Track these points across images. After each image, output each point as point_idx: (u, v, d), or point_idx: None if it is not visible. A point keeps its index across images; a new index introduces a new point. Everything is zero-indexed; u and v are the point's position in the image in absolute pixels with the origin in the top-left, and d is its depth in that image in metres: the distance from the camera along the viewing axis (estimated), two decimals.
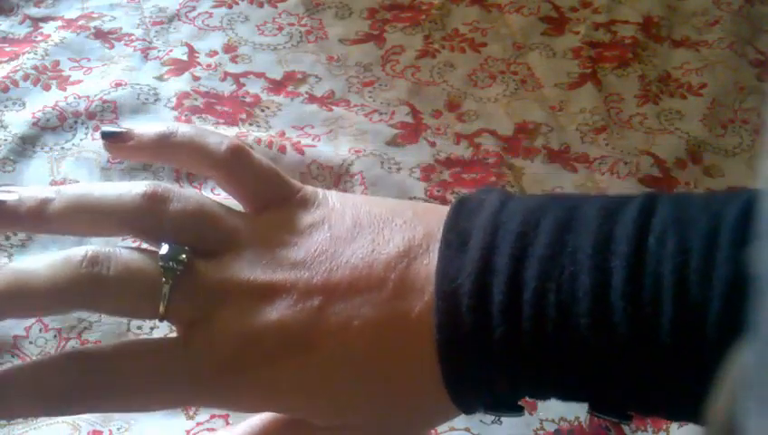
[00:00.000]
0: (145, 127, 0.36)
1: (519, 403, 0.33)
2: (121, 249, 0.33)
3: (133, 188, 0.34)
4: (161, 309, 0.32)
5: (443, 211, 0.34)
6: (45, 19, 0.73)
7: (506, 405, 0.33)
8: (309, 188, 0.36)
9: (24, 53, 0.68)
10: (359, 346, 0.32)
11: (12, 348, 0.49)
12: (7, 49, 0.69)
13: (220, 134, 0.36)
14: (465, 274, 0.30)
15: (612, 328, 0.28)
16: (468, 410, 0.33)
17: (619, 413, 0.32)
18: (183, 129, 0.35)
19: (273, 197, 0.35)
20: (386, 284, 0.32)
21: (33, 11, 0.74)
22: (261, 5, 0.76)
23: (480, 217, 0.32)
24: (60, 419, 0.46)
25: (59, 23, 0.72)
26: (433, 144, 0.64)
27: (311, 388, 0.32)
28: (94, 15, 0.74)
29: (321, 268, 0.33)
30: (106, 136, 0.36)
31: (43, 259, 0.32)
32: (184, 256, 0.33)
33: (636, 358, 0.29)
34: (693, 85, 0.70)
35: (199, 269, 0.33)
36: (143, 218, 0.33)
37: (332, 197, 0.36)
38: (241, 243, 0.33)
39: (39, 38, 0.71)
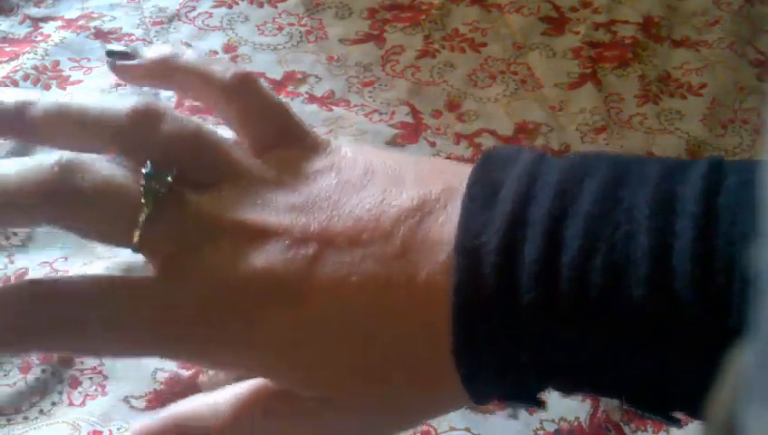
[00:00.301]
0: (151, 48, 0.33)
1: (539, 397, 0.29)
2: (102, 160, 0.29)
3: (125, 101, 0.30)
4: (135, 236, 0.28)
5: (467, 168, 0.30)
6: (45, 19, 0.73)
7: (526, 394, 0.28)
8: (320, 136, 0.33)
9: (24, 53, 0.68)
10: (355, 305, 0.28)
11: None
12: (7, 49, 0.69)
13: (227, 62, 0.33)
14: (493, 229, 0.26)
15: (675, 297, 0.24)
16: (479, 395, 0.28)
17: (664, 410, 0.27)
18: (189, 52, 0.33)
19: (281, 136, 0.32)
20: (392, 238, 0.28)
21: (33, 11, 0.74)
22: (261, 5, 0.76)
23: (514, 168, 0.28)
24: (60, 419, 0.46)
25: (59, 23, 0.72)
26: (433, 144, 0.64)
27: (295, 346, 0.28)
28: (94, 15, 0.74)
29: (320, 215, 0.29)
30: (112, 54, 0.33)
31: (15, 162, 0.29)
32: (169, 178, 0.29)
33: (702, 336, 0.24)
34: (693, 85, 0.70)
35: (187, 197, 0.29)
36: (130, 134, 0.29)
37: (345, 146, 0.32)
38: (238, 178, 0.30)
39: (39, 38, 0.71)
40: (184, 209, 0.29)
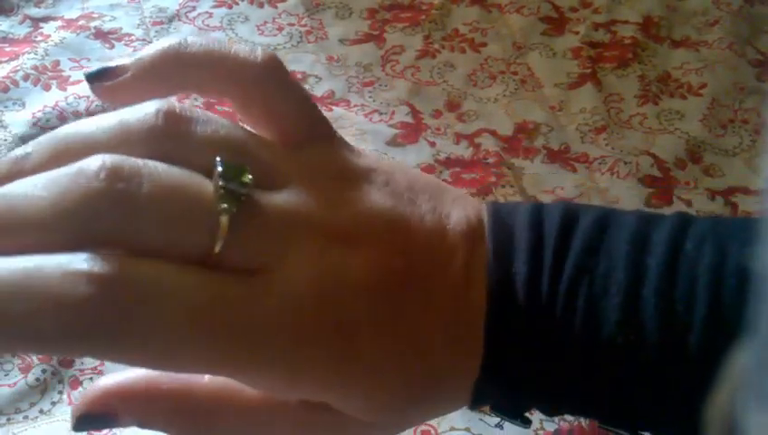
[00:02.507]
0: (143, 50, 0.28)
1: (527, 415, 0.31)
2: (155, 162, 0.23)
3: (142, 109, 0.25)
4: (217, 247, 0.23)
5: (472, 199, 0.31)
6: (45, 19, 0.73)
7: (515, 412, 0.30)
8: (342, 137, 0.29)
9: (24, 53, 0.68)
10: (434, 326, 0.27)
11: None
12: (7, 49, 0.69)
13: (244, 46, 0.27)
14: (519, 262, 0.28)
15: (642, 326, 0.27)
16: (478, 406, 0.30)
17: (632, 428, 0.29)
18: (195, 39, 0.27)
19: (311, 131, 0.28)
20: (457, 258, 0.28)
21: (33, 11, 0.74)
22: (261, 5, 0.76)
23: (520, 214, 0.30)
24: (60, 417, 0.46)
25: (59, 23, 0.73)
26: (433, 144, 0.64)
27: (389, 368, 0.26)
28: (94, 15, 0.74)
29: (399, 224, 0.27)
30: (92, 78, 0.27)
31: (42, 177, 0.23)
32: (249, 176, 0.24)
33: (664, 360, 0.27)
34: (693, 85, 0.70)
35: (263, 198, 0.24)
36: (162, 141, 0.24)
37: (365, 150, 0.30)
38: (285, 178, 0.26)
39: (39, 38, 0.71)
40: (264, 213, 0.24)
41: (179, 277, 0.23)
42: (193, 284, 0.23)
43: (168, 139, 0.24)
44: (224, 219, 0.23)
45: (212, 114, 0.26)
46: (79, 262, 0.21)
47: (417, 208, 0.28)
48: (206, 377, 0.27)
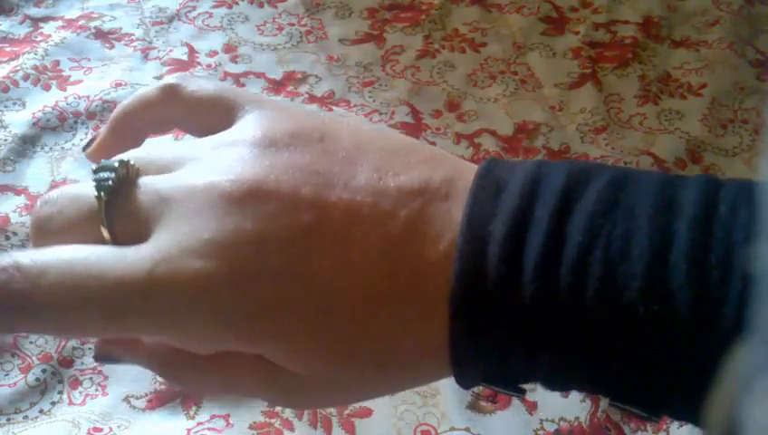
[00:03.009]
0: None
1: (521, 386, 0.29)
2: (68, 201, 0.29)
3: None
4: (105, 232, 0.27)
5: (465, 163, 0.29)
6: (45, 19, 0.73)
7: (511, 381, 0.28)
8: (283, 103, 0.31)
9: (23, 53, 0.68)
10: (355, 280, 0.26)
11: (12, 348, 0.49)
12: (7, 49, 0.69)
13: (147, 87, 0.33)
14: (500, 220, 0.26)
15: (670, 295, 0.24)
16: (464, 378, 0.28)
17: (650, 406, 0.26)
18: (122, 105, 0.33)
19: (228, 118, 0.30)
20: (394, 218, 0.27)
21: (33, 11, 0.74)
22: (261, 5, 0.76)
23: (518, 170, 0.28)
24: (60, 417, 0.46)
25: (59, 23, 0.73)
26: (433, 144, 0.64)
27: (290, 316, 0.27)
28: (94, 15, 0.74)
29: (311, 179, 0.27)
30: (85, 148, 0.34)
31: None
32: (116, 163, 0.28)
33: (696, 334, 0.24)
34: (693, 85, 0.70)
35: (145, 180, 0.28)
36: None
37: (320, 112, 0.30)
38: (203, 154, 0.28)
39: (39, 38, 0.71)
40: (145, 187, 0.28)
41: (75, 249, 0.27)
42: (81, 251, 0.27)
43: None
44: (99, 204, 0.27)
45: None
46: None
47: (351, 167, 0.28)
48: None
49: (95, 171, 0.28)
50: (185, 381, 0.30)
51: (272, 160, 0.28)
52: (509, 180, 0.27)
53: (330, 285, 0.26)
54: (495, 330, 0.26)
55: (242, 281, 0.26)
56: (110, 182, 0.28)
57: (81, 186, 0.29)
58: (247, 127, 0.29)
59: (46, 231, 0.28)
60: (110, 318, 0.26)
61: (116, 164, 0.28)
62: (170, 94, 0.32)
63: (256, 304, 0.26)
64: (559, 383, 0.28)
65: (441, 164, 0.29)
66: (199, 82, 0.32)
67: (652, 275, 0.25)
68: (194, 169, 0.28)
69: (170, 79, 0.32)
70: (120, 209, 0.27)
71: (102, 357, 0.30)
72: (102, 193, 0.27)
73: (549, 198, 0.26)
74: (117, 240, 0.27)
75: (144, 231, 0.27)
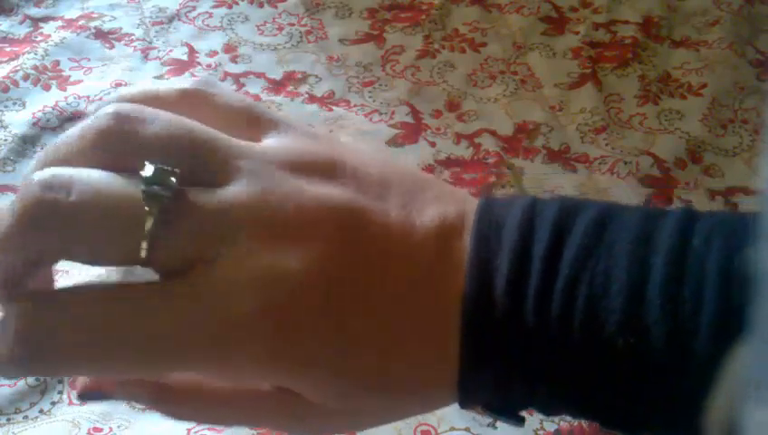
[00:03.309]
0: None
1: (521, 414, 0.30)
2: (91, 171, 0.25)
3: (99, 113, 0.26)
4: (143, 251, 0.24)
5: (465, 194, 0.30)
6: (45, 19, 0.73)
7: (510, 410, 0.30)
8: (305, 125, 0.30)
9: (24, 53, 0.68)
10: (383, 322, 0.27)
11: None
12: (7, 49, 0.69)
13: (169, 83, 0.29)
14: (503, 257, 0.27)
15: (646, 329, 0.26)
16: (467, 404, 0.29)
17: (634, 431, 0.28)
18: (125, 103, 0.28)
19: (256, 132, 0.29)
20: (420, 259, 0.27)
21: (33, 11, 0.74)
22: (261, 5, 0.76)
23: (514, 207, 0.29)
24: (60, 417, 0.46)
25: (59, 23, 0.73)
26: (433, 144, 0.64)
27: (334, 359, 0.26)
28: (94, 15, 0.74)
29: (355, 220, 0.27)
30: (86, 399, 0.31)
31: None
32: (174, 179, 0.25)
33: (670, 365, 0.26)
34: (693, 85, 0.70)
35: (195, 199, 0.25)
36: (117, 138, 0.25)
37: (339, 138, 0.30)
38: (245, 170, 0.26)
39: (39, 38, 0.71)
40: (195, 213, 0.25)
41: (94, 291, 0.25)
42: (111, 295, 0.25)
43: (116, 140, 0.26)
44: (147, 223, 0.24)
45: (163, 113, 0.26)
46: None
47: (383, 203, 0.28)
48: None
49: (148, 180, 0.24)
50: (202, 416, 0.30)
51: (318, 193, 0.27)
52: (507, 216, 0.29)
53: (359, 325, 0.27)
54: (501, 360, 0.27)
55: (291, 319, 0.26)
56: (165, 200, 0.24)
57: (116, 184, 0.25)
58: (291, 149, 0.28)
59: (55, 225, 0.24)
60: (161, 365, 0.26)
61: (173, 179, 0.25)
62: (195, 99, 0.29)
63: (302, 340, 0.26)
64: (553, 410, 0.29)
65: (451, 200, 0.30)
66: (227, 90, 0.30)
67: (630, 309, 0.26)
68: (255, 189, 0.26)
69: (191, 84, 0.29)
70: (170, 231, 0.24)
71: (89, 396, 0.28)
72: (156, 209, 0.24)
73: (544, 235, 0.28)
74: (152, 264, 0.25)
75: (200, 256, 0.25)
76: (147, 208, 0.24)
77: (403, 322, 0.28)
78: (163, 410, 0.29)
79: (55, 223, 0.24)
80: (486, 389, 0.28)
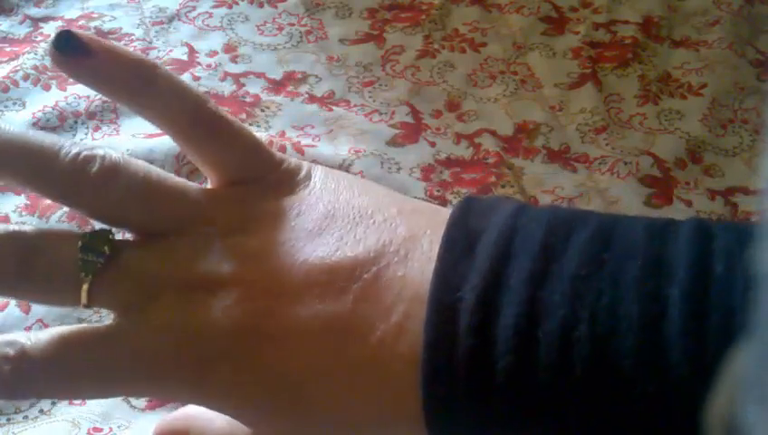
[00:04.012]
0: (118, 47, 0.30)
1: None
2: (50, 232, 0.31)
3: (65, 146, 0.30)
4: (84, 302, 0.29)
5: (439, 212, 0.28)
6: (45, 19, 0.73)
7: None
8: (293, 165, 0.31)
9: (24, 53, 0.68)
10: (310, 361, 0.27)
11: None
12: (7, 49, 0.69)
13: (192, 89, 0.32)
14: (470, 286, 0.24)
15: (667, 371, 0.22)
16: None
17: None
18: (165, 69, 0.31)
19: (248, 171, 0.31)
20: (345, 294, 0.26)
21: (33, 11, 0.74)
22: (261, 5, 0.76)
23: (494, 218, 0.26)
24: (60, 417, 0.46)
25: (59, 23, 0.72)
26: (433, 144, 0.64)
27: (243, 394, 0.28)
28: (94, 15, 0.74)
29: (271, 264, 0.28)
30: (62, 45, 0.28)
31: None
32: (106, 247, 0.29)
33: (695, 408, 0.21)
34: (693, 85, 0.70)
35: (128, 259, 0.30)
36: (73, 187, 0.30)
37: (317, 176, 0.30)
38: (193, 225, 0.30)
39: (39, 38, 0.71)
40: (124, 273, 0.30)
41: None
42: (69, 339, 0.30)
43: (77, 187, 0.29)
44: (84, 283, 0.29)
45: (132, 161, 0.30)
46: None
47: (311, 244, 0.28)
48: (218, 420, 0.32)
49: (84, 250, 0.29)
50: None
51: (245, 250, 0.29)
52: (483, 230, 0.26)
53: (290, 369, 0.27)
54: (467, 403, 0.24)
55: (202, 357, 0.29)
56: (98, 266, 0.29)
57: (62, 248, 0.30)
58: (237, 207, 0.31)
59: (22, 283, 0.30)
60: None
61: (106, 248, 0.30)
62: (193, 122, 0.33)
63: (213, 375, 0.29)
64: None
65: (408, 219, 0.28)
66: (232, 125, 0.33)
67: (645, 351, 0.23)
68: (179, 249, 0.30)
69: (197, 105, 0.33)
70: (103, 288, 0.30)
71: None
72: (90, 274, 0.29)
73: (525, 258, 0.24)
74: (93, 306, 0.30)
75: (129, 305, 0.30)
76: (82, 275, 0.29)
77: (325, 359, 0.27)
78: None
79: (19, 283, 0.30)
80: (458, 431, 0.26)
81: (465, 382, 0.24)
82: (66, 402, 0.47)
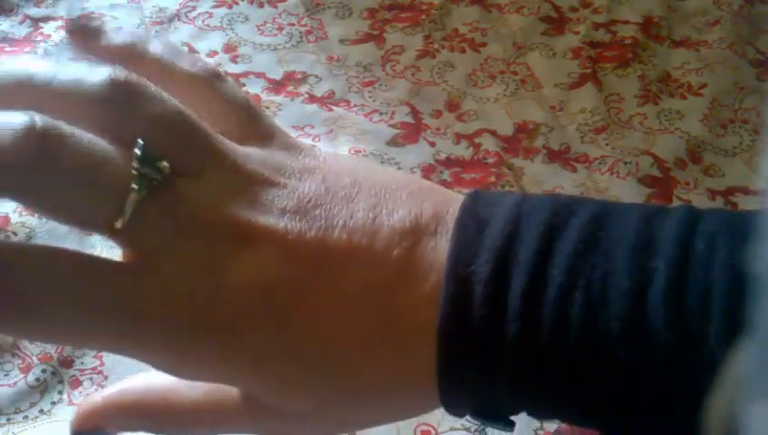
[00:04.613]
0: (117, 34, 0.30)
1: (511, 418, 0.29)
2: (83, 134, 0.25)
3: (98, 73, 0.26)
4: (119, 223, 0.24)
5: (451, 193, 0.29)
6: (45, 19, 0.73)
7: (499, 416, 0.29)
8: (289, 137, 0.30)
9: (23, 53, 0.68)
10: (345, 327, 0.27)
11: (12, 348, 0.49)
12: (7, 49, 0.69)
13: (195, 56, 0.30)
14: (482, 260, 0.26)
15: (649, 337, 0.25)
16: (456, 411, 0.29)
17: None
18: (155, 43, 0.29)
19: (252, 130, 0.29)
20: (388, 259, 0.27)
21: (33, 11, 0.74)
22: (261, 5, 0.76)
23: (501, 205, 0.28)
24: (60, 417, 0.46)
25: (59, 23, 0.73)
26: (433, 144, 0.64)
27: (279, 361, 0.27)
28: (94, 16, 0.74)
29: (315, 223, 0.27)
30: (76, 29, 0.29)
31: None
32: (166, 163, 0.25)
33: (675, 375, 0.25)
34: (693, 85, 0.70)
35: (179, 187, 0.25)
36: (111, 108, 0.25)
37: (322, 150, 0.30)
38: (223, 167, 0.27)
39: (39, 38, 0.71)
40: (177, 199, 0.25)
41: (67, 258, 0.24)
42: (80, 262, 0.25)
43: (112, 108, 0.25)
44: (132, 198, 0.24)
45: (163, 92, 0.27)
46: None
47: (348, 204, 0.28)
48: (185, 389, 0.29)
49: (141, 159, 0.25)
50: (172, 426, 0.30)
51: (285, 205, 0.27)
52: (491, 217, 0.27)
53: (328, 334, 0.27)
54: (480, 369, 0.27)
55: (233, 321, 0.26)
56: (154, 182, 0.25)
57: (110, 153, 0.25)
58: (270, 161, 0.29)
59: (43, 179, 0.24)
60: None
61: (165, 164, 0.25)
62: (201, 86, 0.29)
63: (244, 342, 0.26)
64: (545, 417, 0.29)
65: (429, 197, 0.29)
66: (232, 85, 0.30)
67: (632, 317, 0.25)
68: (220, 189, 0.27)
69: (201, 70, 0.29)
70: (150, 213, 0.25)
71: (84, 431, 0.30)
72: (144, 189, 0.25)
73: (531, 238, 0.27)
74: (118, 237, 0.25)
75: (167, 245, 0.25)
76: (136, 187, 0.24)
77: (374, 331, 0.27)
78: (139, 427, 0.30)
79: (38, 178, 0.24)
80: (469, 398, 0.28)
81: (478, 349, 0.26)
82: (66, 403, 0.47)
